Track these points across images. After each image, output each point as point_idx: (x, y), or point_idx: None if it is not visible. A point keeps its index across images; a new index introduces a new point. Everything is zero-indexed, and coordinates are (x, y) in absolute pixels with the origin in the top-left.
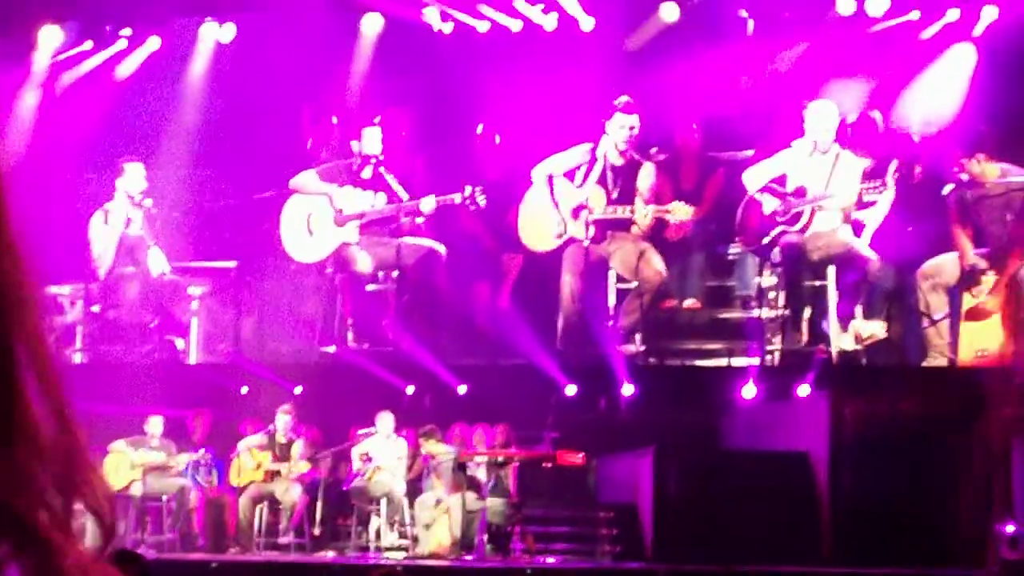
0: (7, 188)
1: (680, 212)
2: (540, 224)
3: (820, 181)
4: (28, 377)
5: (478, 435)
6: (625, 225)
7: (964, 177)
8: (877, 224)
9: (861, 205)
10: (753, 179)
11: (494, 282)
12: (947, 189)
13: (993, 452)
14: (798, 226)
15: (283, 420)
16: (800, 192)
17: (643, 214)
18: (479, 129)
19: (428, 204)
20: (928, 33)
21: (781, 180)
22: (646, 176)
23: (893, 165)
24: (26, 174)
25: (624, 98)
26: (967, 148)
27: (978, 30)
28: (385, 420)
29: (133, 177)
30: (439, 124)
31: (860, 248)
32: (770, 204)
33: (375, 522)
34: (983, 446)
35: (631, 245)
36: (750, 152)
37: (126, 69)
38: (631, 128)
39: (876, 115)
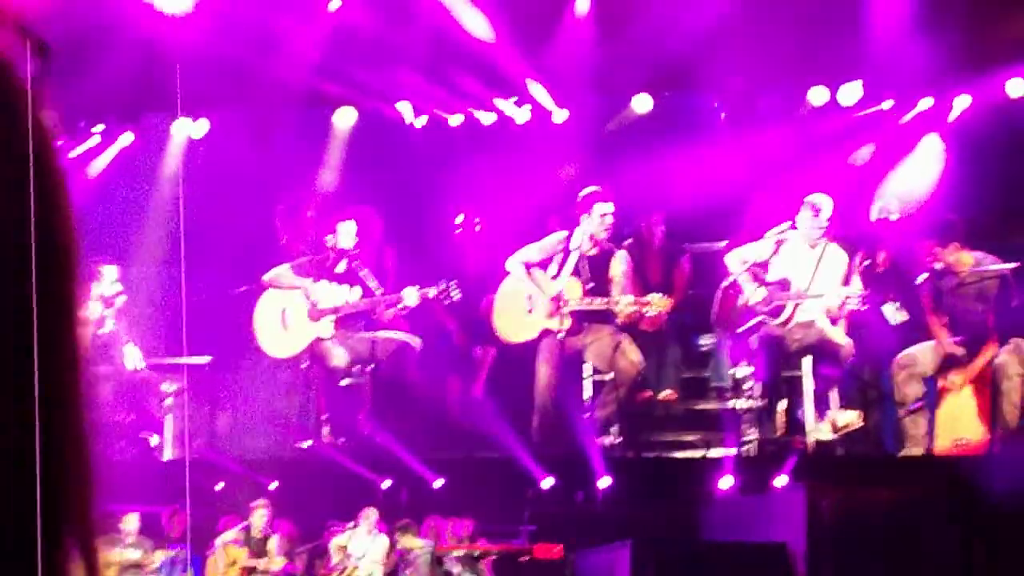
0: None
1: (658, 304)
2: (514, 315)
3: (805, 274)
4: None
5: (448, 529)
6: (601, 316)
7: (938, 266)
8: (848, 312)
9: (846, 303)
10: (734, 261)
11: (468, 375)
12: (921, 278)
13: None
14: (780, 318)
15: (259, 515)
16: (784, 284)
17: (626, 303)
18: (459, 220)
19: (411, 297)
20: (903, 121)
21: (763, 267)
22: (619, 264)
23: (857, 258)
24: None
25: (592, 188)
26: (936, 237)
27: (951, 118)
28: (369, 516)
29: (108, 280)
30: (413, 218)
31: (835, 337)
32: (751, 293)
33: None
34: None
35: (607, 336)
36: (723, 243)
37: (99, 165)
38: (604, 220)
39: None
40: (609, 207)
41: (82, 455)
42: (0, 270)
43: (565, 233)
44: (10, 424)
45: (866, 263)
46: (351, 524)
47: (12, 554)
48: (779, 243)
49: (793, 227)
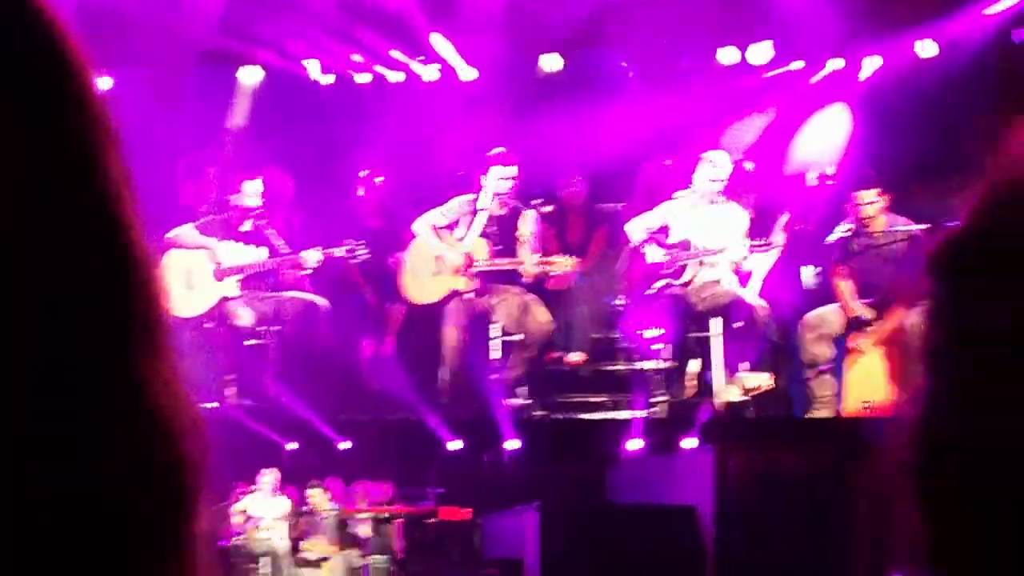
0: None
1: (562, 264)
2: (422, 276)
3: (704, 232)
4: None
5: (360, 491)
6: (509, 277)
7: (849, 227)
8: (764, 273)
9: (747, 258)
10: (635, 230)
11: (377, 336)
12: (832, 237)
13: (882, 501)
14: (683, 279)
15: None
16: (685, 245)
17: (531, 263)
18: (366, 178)
19: (313, 257)
20: (813, 81)
21: (664, 231)
22: (527, 224)
23: (784, 218)
24: None
25: (499, 149)
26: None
27: (862, 77)
28: (267, 477)
29: None
30: (321, 177)
31: (747, 298)
32: (654, 255)
33: None
34: (869, 496)
35: (515, 297)
36: (622, 204)
37: None
38: (511, 179)
39: (749, 165)
40: (511, 170)
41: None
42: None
43: (472, 196)
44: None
45: (779, 223)
46: (253, 486)
47: None
48: (675, 206)
49: (687, 184)
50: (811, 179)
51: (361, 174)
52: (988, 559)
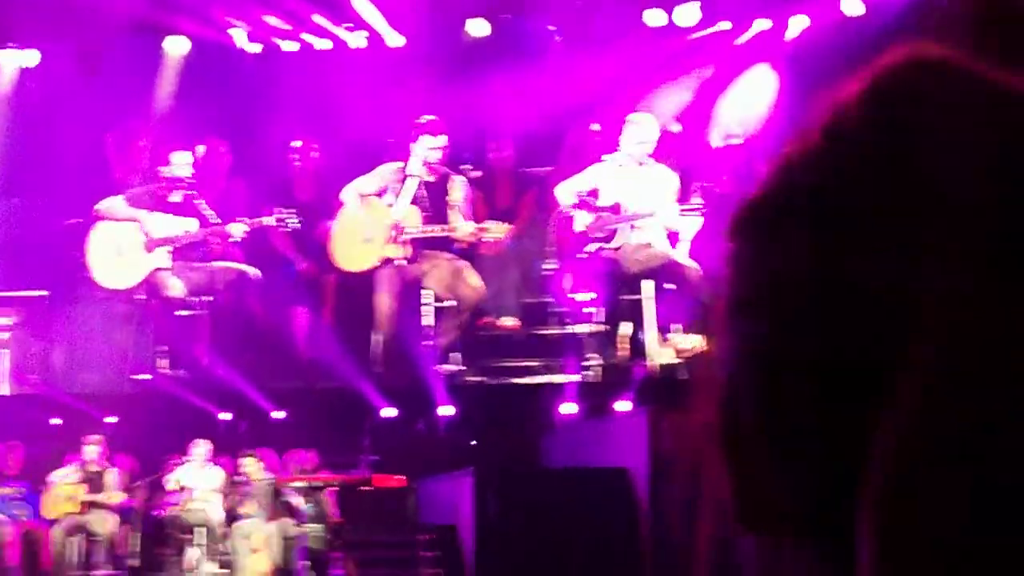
0: None
1: (496, 231)
2: (352, 245)
3: (634, 195)
4: None
5: (293, 461)
6: (440, 243)
7: None
8: (692, 235)
9: (678, 220)
10: (564, 194)
11: (309, 305)
12: None
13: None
14: (615, 243)
15: (92, 450)
16: (616, 208)
17: (466, 230)
18: (296, 147)
19: (237, 229)
20: (740, 42)
21: (594, 194)
22: (457, 189)
23: (699, 184)
24: None
25: (428, 117)
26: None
27: (788, 36)
28: (199, 448)
29: None
30: (249, 146)
31: (678, 259)
32: (583, 220)
33: (191, 552)
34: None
35: (447, 263)
36: (550, 168)
37: None
38: (439, 148)
39: (676, 128)
40: (441, 139)
41: None
42: None
43: (401, 164)
44: None
45: (706, 185)
46: (186, 457)
47: None
48: (604, 169)
49: (615, 146)
50: (725, 141)
51: (294, 144)
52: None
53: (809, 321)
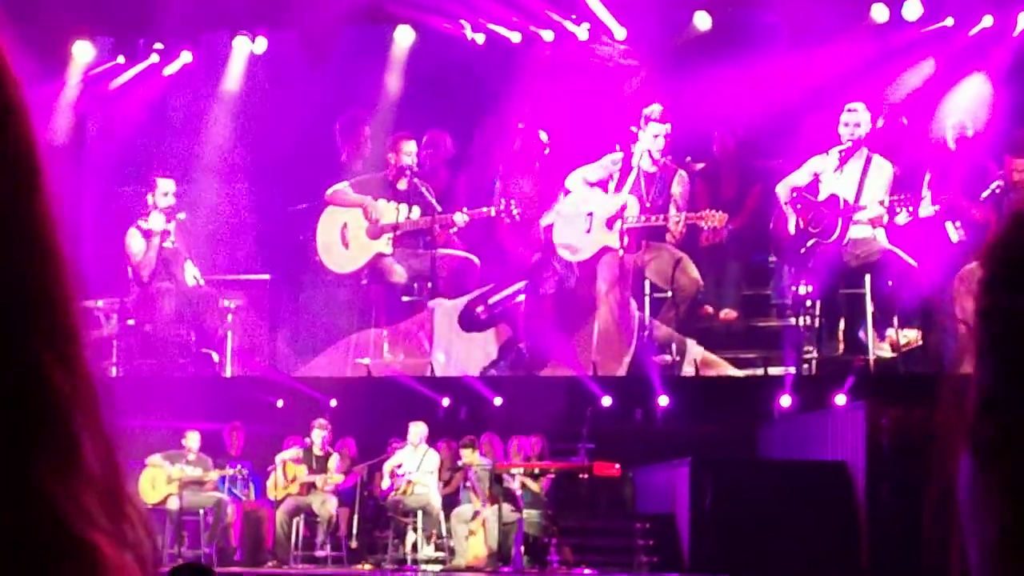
0: (51, 196)
1: (712, 219)
2: (574, 233)
3: (851, 187)
4: (70, 400)
5: (514, 447)
6: (660, 234)
7: (999, 183)
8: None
9: (892, 213)
10: (784, 189)
11: (531, 293)
12: (986, 194)
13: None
14: (833, 237)
15: (319, 434)
16: (832, 200)
17: (675, 220)
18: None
19: (460, 218)
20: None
21: (812, 189)
22: (679, 183)
23: (927, 177)
24: (60, 188)
25: (656, 107)
26: (1008, 151)
27: (1016, 33)
28: (415, 430)
29: (164, 192)
30: (474, 135)
31: (897, 254)
32: (801, 212)
33: (411, 535)
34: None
35: (667, 254)
36: (779, 161)
37: (159, 83)
38: (664, 137)
39: (902, 121)
40: (664, 127)
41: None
42: None
43: (622, 154)
44: None
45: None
46: (404, 442)
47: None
48: (821, 163)
49: (837, 139)
50: (951, 140)
51: (520, 126)
52: None
53: None
